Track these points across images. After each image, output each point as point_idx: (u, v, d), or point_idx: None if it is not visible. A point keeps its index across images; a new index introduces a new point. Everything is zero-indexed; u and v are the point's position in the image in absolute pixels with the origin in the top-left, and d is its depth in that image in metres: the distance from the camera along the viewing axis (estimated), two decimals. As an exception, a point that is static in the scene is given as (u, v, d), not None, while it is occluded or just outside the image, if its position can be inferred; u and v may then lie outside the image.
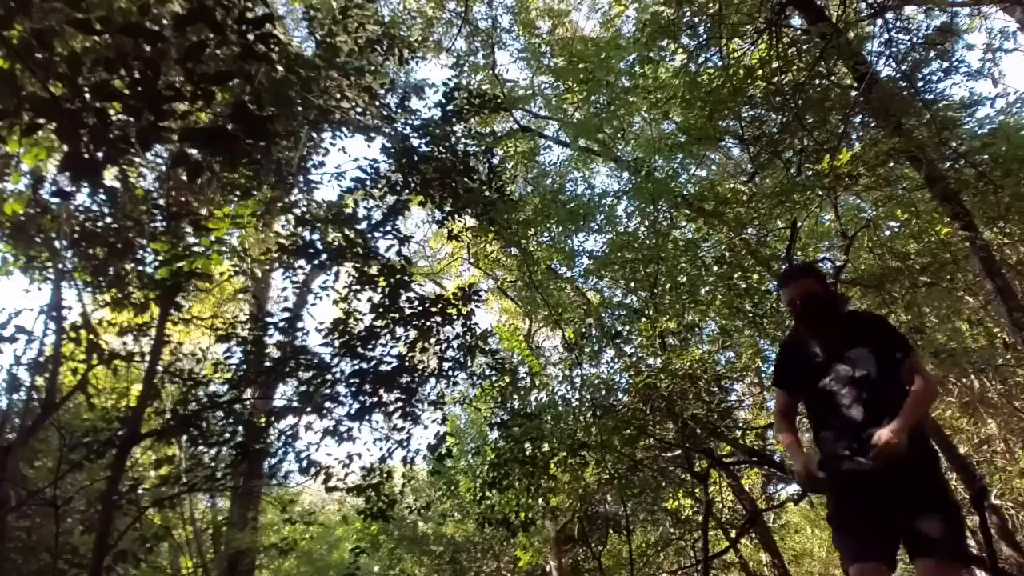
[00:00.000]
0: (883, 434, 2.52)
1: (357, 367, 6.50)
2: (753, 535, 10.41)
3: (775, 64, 6.75)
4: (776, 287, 3.13)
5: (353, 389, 6.49)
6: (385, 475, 7.09)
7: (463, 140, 7.82)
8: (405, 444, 6.93)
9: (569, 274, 11.37)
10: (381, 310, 6.59)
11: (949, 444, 8.24)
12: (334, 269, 7.02)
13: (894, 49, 6.56)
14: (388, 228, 7.01)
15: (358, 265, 6.69)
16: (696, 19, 7.27)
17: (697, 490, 8.81)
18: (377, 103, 7.60)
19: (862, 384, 2.68)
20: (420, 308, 6.76)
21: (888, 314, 8.01)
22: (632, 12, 9.96)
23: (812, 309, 2.84)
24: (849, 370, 2.72)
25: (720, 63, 7.38)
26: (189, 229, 6.43)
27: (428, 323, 6.77)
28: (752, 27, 7.20)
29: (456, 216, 8.02)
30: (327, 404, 6.48)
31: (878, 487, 2.60)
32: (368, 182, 7.10)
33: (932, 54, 6.61)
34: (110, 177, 6.47)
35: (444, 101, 7.63)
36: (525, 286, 11.09)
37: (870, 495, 2.63)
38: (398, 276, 6.57)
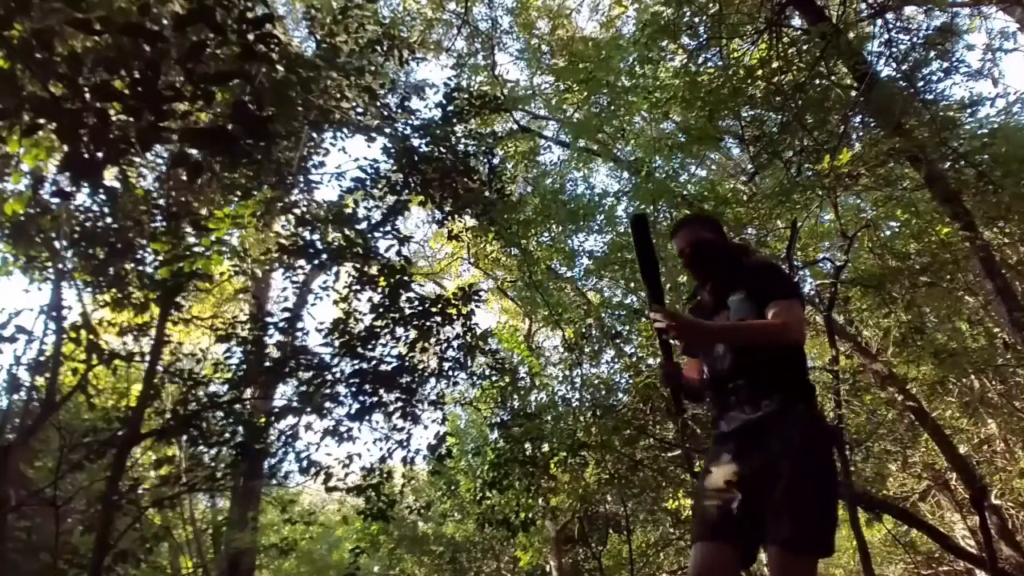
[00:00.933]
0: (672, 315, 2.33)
1: (357, 367, 6.50)
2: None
3: (775, 64, 6.75)
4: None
5: (353, 389, 6.50)
6: (385, 475, 7.10)
7: (463, 140, 7.82)
8: (405, 444, 6.95)
9: (569, 274, 11.37)
10: (381, 310, 6.60)
11: (949, 444, 8.25)
12: (334, 269, 7.03)
13: (894, 49, 6.56)
14: (388, 228, 7.02)
15: (358, 265, 6.69)
16: (696, 19, 7.26)
17: (697, 490, 8.79)
18: (377, 103, 7.60)
19: None
20: (420, 308, 6.77)
21: (888, 314, 8.02)
22: (632, 12, 9.97)
23: (700, 256, 2.62)
24: (726, 319, 2.51)
25: (720, 63, 7.38)
26: (189, 229, 6.43)
27: (428, 323, 6.77)
28: (752, 27, 7.20)
29: (456, 216, 8.02)
30: (327, 404, 6.49)
31: (744, 451, 2.32)
32: (368, 182, 7.10)
33: (932, 54, 6.60)
34: (110, 177, 6.47)
35: (445, 102, 7.64)
36: (525, 286, 11.08)
37: (732, 462, 2.34)
38: (398, 276, 6.57)
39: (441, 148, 7.38)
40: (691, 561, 2.32)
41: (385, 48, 7.63)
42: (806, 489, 2.17)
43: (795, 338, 2.40)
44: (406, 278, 6.68)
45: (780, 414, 2.29)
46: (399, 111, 7.91)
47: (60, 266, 6.28)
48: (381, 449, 7.01)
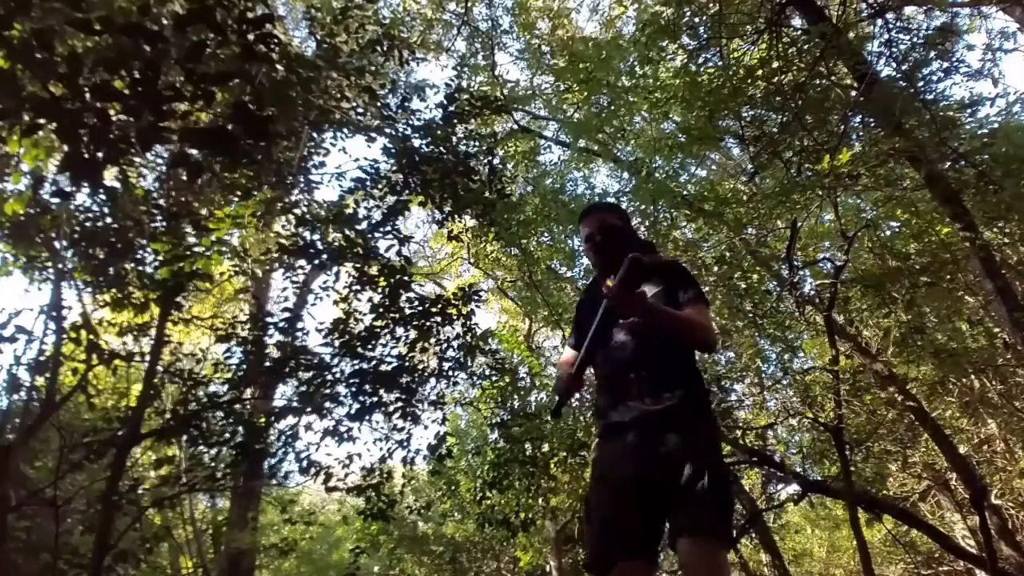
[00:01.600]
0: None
1: (357, 367, 6.50)
2: (753, 535, 10.41)
3: (775, 64, 6.75)
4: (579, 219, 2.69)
5: (353, 389, 6.50)
6: (385, 475, 7.10)
7: (463, 141, 7.82)
8: (405, 444, 6.95)
9: (569, 274, 11.37)
10: (381, 310, 6.60)
11: (949, 444, 8.24)
12: (334, 269, 7.03)
13: (894, 49, 6.56)
14: (388, 228, 7.02)
15: (358, 265, 6.69)
16: (696, 19, 7.26)
17: (697, 490, 8.79)
18: (377, 103, 7.60)
19: (639, 324, 2.36)
20: (420, 308, 6.77)
21: (888, 314, 8.02)
22: (632, 12, 9.98)
23: (608, 242, 2.52)
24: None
25: (720, 63, 7.38)
26: (189, 229, 6.43)
27: (428, 323, 6.78)
28: (752, 27, 7.20)
29: (456, 216, 8.02)
30: (327, 404, 6.49)
31: (643, 445, 2.23)
32: (368, 182, 7.10)
33: (932, 54, 6.60)
34: (110, 177, 6.47)
35: (445, 102, 7.64)
36: (525, 286, 11.09)
37: (631, 456, 2.24)
38: (398, 276, 6.57)
39: (441, 148, 7.38)
40: None
41: (385, 48, 7.63)
42: (718, 484, 2.14)
43: (715, 343, 2.53)
44: (406, 278, 6.68)
45: (681, 409, 2.25)
46: (399, 111, 7.91)
47: (60, 266, 6.28)
48: (381, 449, 7.02)
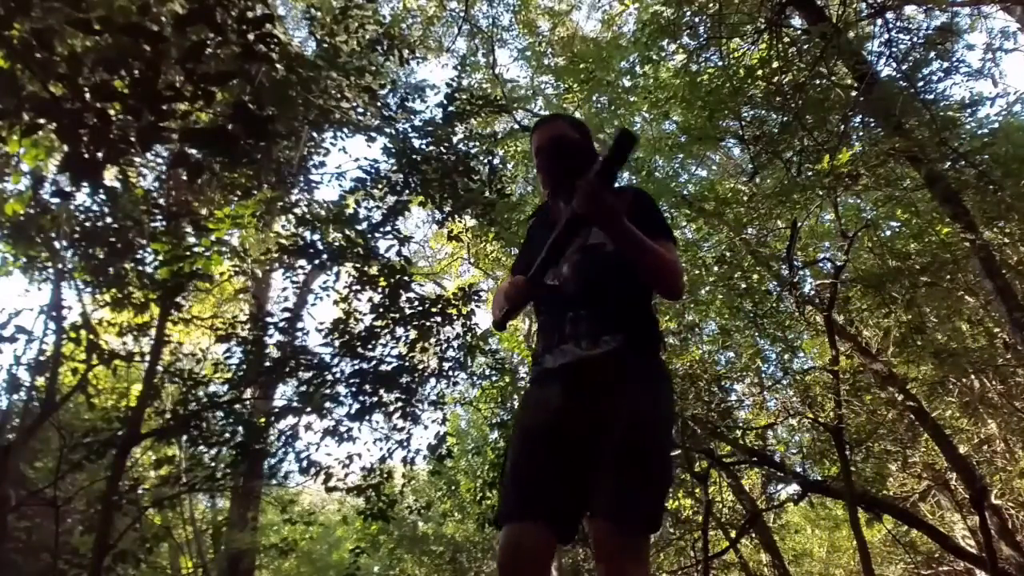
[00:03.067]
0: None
1: (357, 367, 6.50)
2: (753, 535, 10.41)
3: (775, 64, 6.75)
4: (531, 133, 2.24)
5: (353, 389, 6.50)
6: (385, 475, 7.10)
7: (464, 141, 7.82)
8: (405, 444, 6.95)
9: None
10: (381, 310, 6.60)
11: (949, 444, 8.24)
12: (334, 269, 7.03)
13: (894, 49, 6.56)
14: (388, 228, 7.02)
15: (358, 265, 6.69)
16: (696, 19, 7.27)
17: (697, 490, 8.81)
18: (377, 103, 7.60)
19: (592, 252, 2.00)
20: (420, 308, 6.77)
21: (888, 314, 8.03)
22: (633, 12, 9.98)
23: (561, 154, 2.12)
24: (583, 237, 2.00)
25: (720, 63, 7.38)
26: (189, 229, 6.43)
27: (428, 323, 6.78)
28: (752, 27, 7.20)
29: (456, 216, 8.02)
30: (327, 404, 6.49)
31: (571, 397, 1.91)
32: (369, 182, 7.11)
33: (932, 54, 6.61)
34: (110, 177, 6.47)
35: (446, 102, 7.64)
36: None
37: (555, 408, 1.92)
38: (398, 276, 6.58)
39: (441, 148, 7.38)
40: (499, 548, 1.85)
41: (385, 48, 7.63)
42: (648, 457, 1.79)
43: (683, 289, 2.13)
44: (406, 278, 6.68)
45: (621, 356, 1.90)
46: (399, 111, 7.91)
47: (60, 266, 6.28)
48: (381, 449, 7.02)
